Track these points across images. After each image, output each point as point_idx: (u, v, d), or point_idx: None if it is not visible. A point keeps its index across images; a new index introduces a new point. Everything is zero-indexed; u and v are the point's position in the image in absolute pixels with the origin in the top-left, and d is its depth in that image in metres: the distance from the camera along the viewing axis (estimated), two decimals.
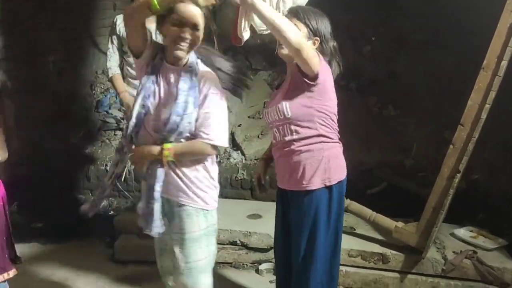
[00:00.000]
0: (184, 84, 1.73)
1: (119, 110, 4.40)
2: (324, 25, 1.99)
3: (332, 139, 1.99)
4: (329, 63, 2.01)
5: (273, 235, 2.99)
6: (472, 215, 3.24)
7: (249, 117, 4.25)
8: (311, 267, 1.97)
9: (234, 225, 3.11)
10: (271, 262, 3.00)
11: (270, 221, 3.15)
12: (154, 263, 2.02)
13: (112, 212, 3.72)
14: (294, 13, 1.97)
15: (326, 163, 1.94)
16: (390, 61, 4.72)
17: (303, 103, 1.90)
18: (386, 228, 2.78)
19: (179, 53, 1.72)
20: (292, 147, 1.95)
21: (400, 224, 2.72)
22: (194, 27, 1.71)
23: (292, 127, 1.93)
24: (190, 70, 1.76)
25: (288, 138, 1.95)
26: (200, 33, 1.74)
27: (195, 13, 1.71)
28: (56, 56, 4.27)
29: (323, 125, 1.94)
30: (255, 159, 3.81)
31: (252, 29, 2.49)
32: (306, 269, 1.98)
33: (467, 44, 3.75)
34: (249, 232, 3.04)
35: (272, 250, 3.03)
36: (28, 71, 3.83)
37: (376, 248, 2.78)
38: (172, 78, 1.76)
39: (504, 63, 2.31)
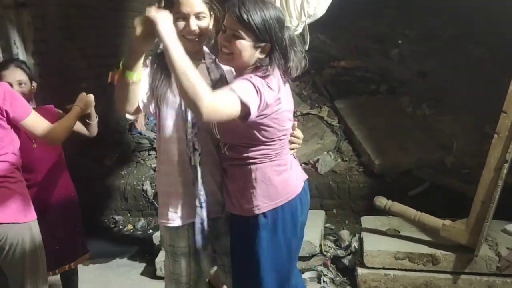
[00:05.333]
0: (215, 75, 1.72)
1: (152, 130, 4.47)
2: (275, 19, 1.56)
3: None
4: (286, 60, 1.62)
5: (314, 242, 2.94)
6: None
7: None
8: None
9: None
10: (314, 270, 2.92)
11: (310, 229, 3.07)
12: None
13: (151, 230, 3.73)
14: (237, 16, 1.52)
15: None
16: (420, 61, 4.64)
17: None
18: (433, 228, 2.66)
19: (189, 46, 1.62)
20: None
21: (447, 222, 2.59)
22: (198, 16, 1.63)
23: None
24: (212, 60, 1.73)
25: None
26: (206, 22, 1.65)
27: (195, 2, 1.62)
28: (88, 83, 4.39)
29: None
30: None
31: None
32: None
33: (500, 33, 3.64)
34: None
35: (314, 258, 2.98)
36: (63, 98, 3.94)
37: (424, 249, 2.64)
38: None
39: None
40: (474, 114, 3.85)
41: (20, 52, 3.42)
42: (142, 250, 3.41)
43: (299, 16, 2.40)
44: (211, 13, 1.69)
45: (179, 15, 1.62)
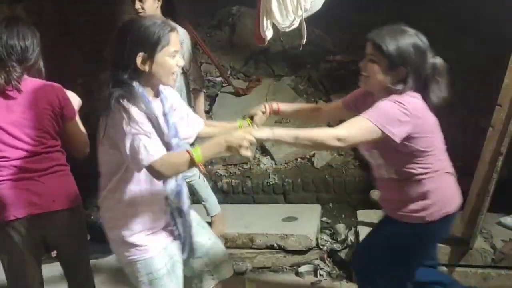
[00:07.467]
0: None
1: None
2: (411, 46, 1.69)
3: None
4: (426, 89, 1.76)
5: (311, 236, 2.96)
6: None
7: (276, 122, 4.23)
8: None
9: (269, 228, 3.07)
10: (310, 264, 2.94)
11: (306, 223, 3.12)
12: None
13: None
14: (372, 42, 1.73)
15: None
16: None
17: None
18: None
19: (175, 81, 1.70)
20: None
21: None
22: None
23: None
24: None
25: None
26: None
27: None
28: (84, 79, 4.37)
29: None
30: (285, 163, 3.78)
31: (275, 27, 2.49)
32: None
33: (494, 26, 3.66)
34: (286, 235, 2.99)
35: (311, 252, 3.00)
36: None
37: None
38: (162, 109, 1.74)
39: None
40: (468, 106, 3.86)
41: None
42: None
43: (296, 10, 2.39)
44: None
45: (173, 53, 1.64)
